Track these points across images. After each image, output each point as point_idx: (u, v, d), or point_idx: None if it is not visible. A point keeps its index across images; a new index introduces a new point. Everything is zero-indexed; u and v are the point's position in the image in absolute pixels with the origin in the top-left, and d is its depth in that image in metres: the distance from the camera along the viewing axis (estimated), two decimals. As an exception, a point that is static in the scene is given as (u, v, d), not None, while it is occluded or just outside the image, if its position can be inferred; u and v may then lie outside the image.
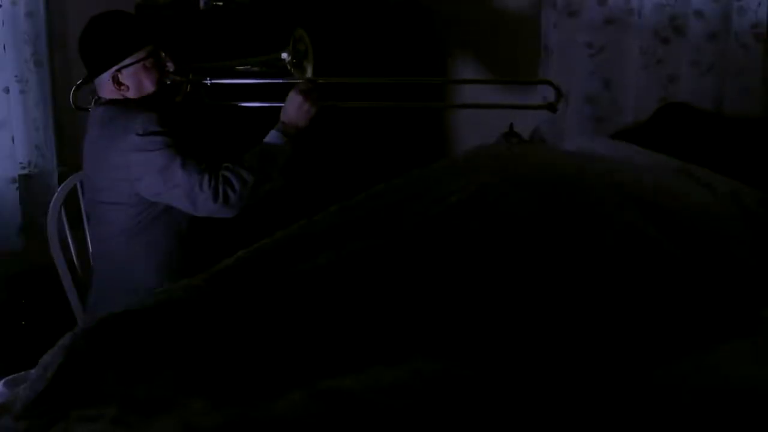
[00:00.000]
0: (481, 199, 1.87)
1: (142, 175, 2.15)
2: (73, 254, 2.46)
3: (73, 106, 2.43)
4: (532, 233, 1.79)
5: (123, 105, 2.22)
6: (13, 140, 3.14)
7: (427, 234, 1.79)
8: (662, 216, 1.87)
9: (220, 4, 3.09)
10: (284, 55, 2.35)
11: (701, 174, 2.17)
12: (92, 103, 2.33)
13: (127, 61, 2.20)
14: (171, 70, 2.27)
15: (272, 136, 2.25)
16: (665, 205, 1.93)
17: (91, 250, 2.43)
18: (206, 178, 2.12)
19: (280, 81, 2.37)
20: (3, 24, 3.07)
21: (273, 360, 1.48)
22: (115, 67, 2.20)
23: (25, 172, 3.20)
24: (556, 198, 1.89)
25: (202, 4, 3.11)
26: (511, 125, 3.10)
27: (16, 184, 3.17)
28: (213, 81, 2.35)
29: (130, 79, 2.22)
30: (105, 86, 2.24)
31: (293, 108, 2.26)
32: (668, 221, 1.86)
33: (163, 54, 2.26)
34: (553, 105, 2.37)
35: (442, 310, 1.61)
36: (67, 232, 2.45)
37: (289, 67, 2.35)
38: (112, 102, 2.24)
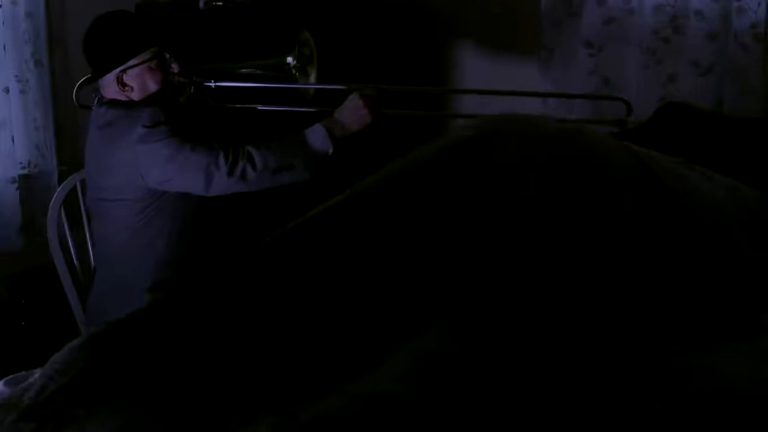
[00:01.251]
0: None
1: (152, 164, 2.14)
2: (73, 254, 2.46)
3: (76, 104, 2.43)
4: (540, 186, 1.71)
5: (126, 105, 2.22)
6: (13, 140, 3.13)
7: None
8: (669, 197, 1.84)
9: (220, 4, 3.09)
10: (290, 59, 2.34)
11: (701, 169, 2.16)
12: (94, 102, 2.32)
13: (132, 62, 2.19)
14: (175, 71, 2.26)
15: (315, 130, 2.20)
16: (674, 186, 1.89)
17: (92, 249, 2.43)
18: (221, 155, 2.12)
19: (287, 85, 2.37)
20: (3, 24, 3.06)
21: (293, 363, 1.47)
22: (120, 68, 2.20)
23: (25, 172, 3.19)
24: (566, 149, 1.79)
25: (201, 4, 3.10)
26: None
27: (16, 184, 3.15)
28: (217, 84, 2.35)
29: (135, 80, 2.21)
30: (109, 86, 2.23)
31: (350, 110, 2.22)
32: (675, 204, 1.83)
33: (168, 55, 2.25)
34: (624, 121, 2.35)
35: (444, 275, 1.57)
36: (67, 232, 2.44)
37: (294, 71, 2.33)
38: (114, 102, 2.24)
